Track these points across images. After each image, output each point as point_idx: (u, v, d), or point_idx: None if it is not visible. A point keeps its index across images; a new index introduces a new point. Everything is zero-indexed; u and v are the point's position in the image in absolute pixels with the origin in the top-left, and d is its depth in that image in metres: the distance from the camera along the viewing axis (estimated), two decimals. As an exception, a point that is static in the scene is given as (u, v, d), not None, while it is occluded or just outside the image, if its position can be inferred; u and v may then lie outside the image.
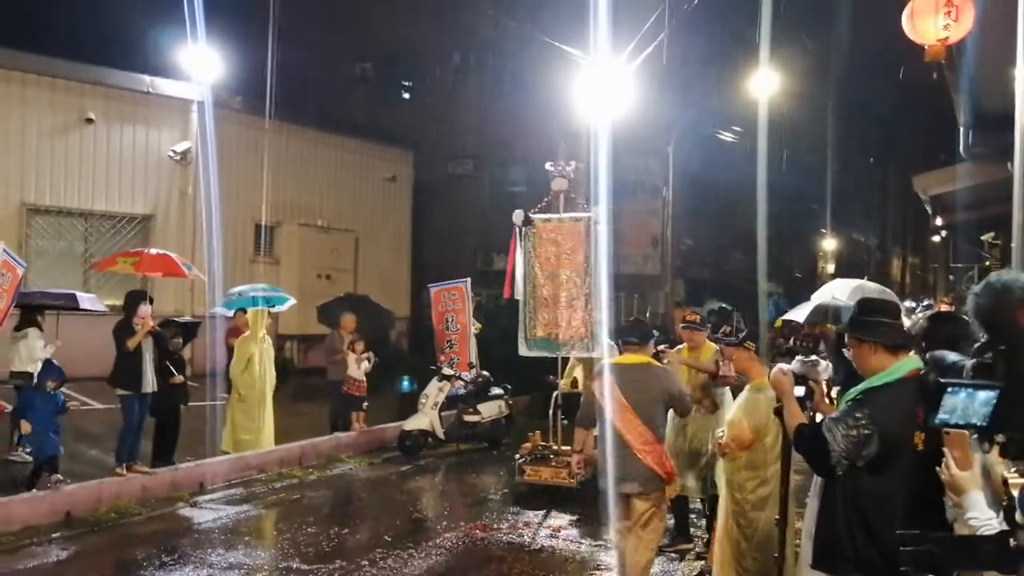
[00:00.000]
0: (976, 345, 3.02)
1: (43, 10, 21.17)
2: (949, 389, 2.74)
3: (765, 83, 18.89)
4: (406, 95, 29.04)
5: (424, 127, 25.27)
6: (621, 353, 6.28)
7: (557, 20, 19.10)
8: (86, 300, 10.44)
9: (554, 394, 10.40)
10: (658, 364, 6.07)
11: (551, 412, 10.24)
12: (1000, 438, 2.78)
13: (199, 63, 17.06)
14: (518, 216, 9.97)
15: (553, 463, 9.56)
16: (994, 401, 2.72)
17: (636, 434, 5.67)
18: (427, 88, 27.74)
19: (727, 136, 27.35)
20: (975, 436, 2.90)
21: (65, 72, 16.72)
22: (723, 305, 16.59)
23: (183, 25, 16.22)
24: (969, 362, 2.99)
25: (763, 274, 16.16)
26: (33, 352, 9.41)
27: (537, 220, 10.02)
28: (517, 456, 9.86)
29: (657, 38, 15.59)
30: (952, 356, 3.33)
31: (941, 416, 2.76)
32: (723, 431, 5.73)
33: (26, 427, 8.56)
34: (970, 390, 2.74)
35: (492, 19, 23.29)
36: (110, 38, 20.07)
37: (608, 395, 5.75)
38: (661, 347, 6.75)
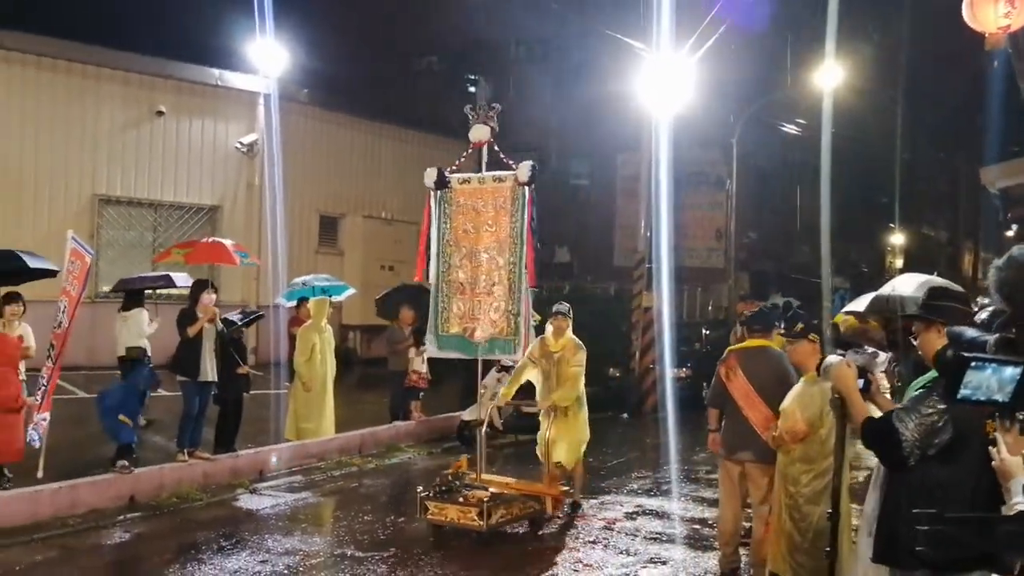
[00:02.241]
0: (998, 320, 2.91)
1: (115, 5, 21.68)
2: (973, 364, 2.61)
3: (830, 74, 18.50)
4: (471, 88, 29.09)
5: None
6: (745, 339, 6.79)
7: (620, 12, 18.93)
8: (180, 279, 11.14)
9: (486, 410, 8.91)
10: (776, 348, 6.37)
11: (481, 430, 8.23)
12: (1022, 416, 2.66)
13: (267, 56, 17.31)
14: (430, 176, 7.88)
15: (461, 500, 7.36)
16: (1019, 377, 2.58)
17: (756, 411, 6.13)
18: (491, 81, 27.73)
19: (792, 128, 26.85)
20: (996, 414, 2.77)
21: (136, 66, 17.14)
22: (788, 299, 16.33)
23: (251, 19, 16.49)
24: (991, 337, 2.86)
25: (827, 268, 15.82)
26: (141, 329, 10.34)
27: (453, 181, 7.89)
28: (420, 490, 7.69)
29: (720, 28, 15.32)
30: (971, 332, 3.21)
31: (964, 392, 2.63)
32: (777, 424, 5.62)
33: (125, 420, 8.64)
34: (996, 365, 2.60)
35: (556, 12, 23.18)
36: (180, 32, 20.49)
37: (734, 376, 6.33)
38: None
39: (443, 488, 7.54)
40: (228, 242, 12.26)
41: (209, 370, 9.27)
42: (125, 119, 16.96)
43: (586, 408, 8.53)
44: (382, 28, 25.57)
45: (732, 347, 6.87)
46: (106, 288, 16.45)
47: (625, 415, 15.39)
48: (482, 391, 12.08)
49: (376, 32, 25.05)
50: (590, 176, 27.72)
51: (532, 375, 8.53)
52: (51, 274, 9.21)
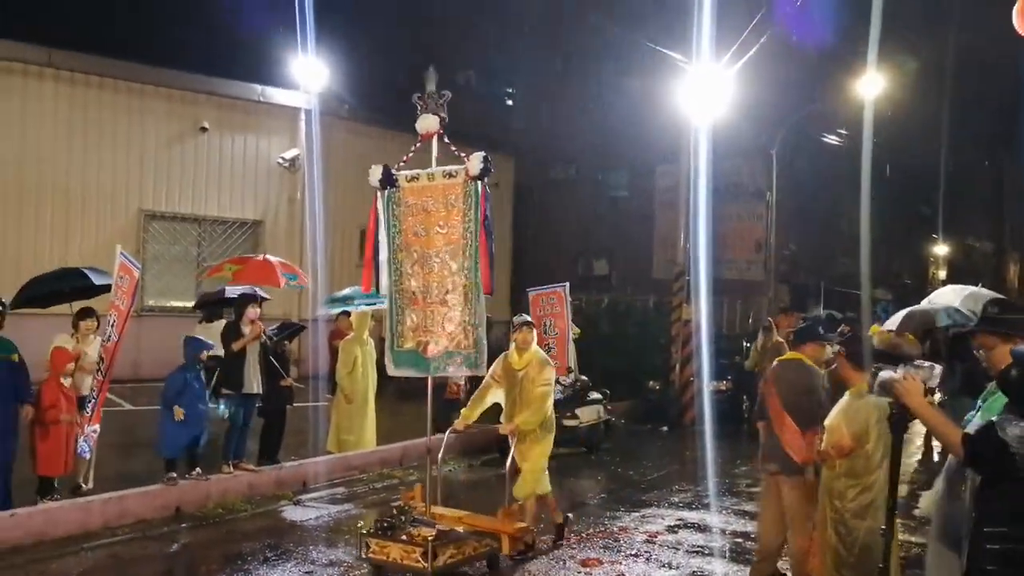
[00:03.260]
0: None
1: (159, 23, 22.11)
2: None
3: (872, 84, 18.35)
4: (509, 102, 29.25)
5: (526, 133, 25.42)
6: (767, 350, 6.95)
7: (659, 24, 18.95)
8: (261, 291, 11.25)
9: (444, 435, 7.92)
10: (807, 361, 6.27)
11: (437, 455, 7.55)
12: None
13: (308, 72, 17.55)
14: (374, 174, 7.01)
15: (405, 537, 6.45)
16: None
17: (780, 424, 6.05)
18: (529, 94, 27.89)
19: (832, 139, 26.63)
20: None
21: (181, 83, 17.47)
22: (830, 312, 16.18)
23: (293, 35, 16.73)
24: None
25: (868, 280, 15.64)
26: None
27: (401, 179, 7.03)
28: (360, 525, 7.02)
29: (760, 39, 15.28)
30: None
31: None
32: (822, 438, 5.59)
33: (179, 413, 8.72)
34: None
35: (595, 25, 23.25)
36: (223, 49, 20.82)
37: (768, 390, 6.27)
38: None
39: (387, 523, 6.59)
40: (276, 260, 12.38)
41: (253, 383, 9.41)
42: (170, 135, 17.28)
43: (552, 434, 7.76)
44: (422, 42, 25.79)
45: (780, 358, 6.79)
46: (152, 302, 16.76)
47: (665, 428, 15.33)
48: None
49: (416, 46, 25.25)
50: (629, 188, 27.70)
51: (497, 396, 7.72)
52: (109, 289, 9.41)
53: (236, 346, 9.27)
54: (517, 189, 25.16)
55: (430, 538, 6.31)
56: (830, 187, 26.32)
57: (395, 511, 6.73)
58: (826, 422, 5.64)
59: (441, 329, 6.77)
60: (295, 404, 10.64)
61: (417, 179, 7.00)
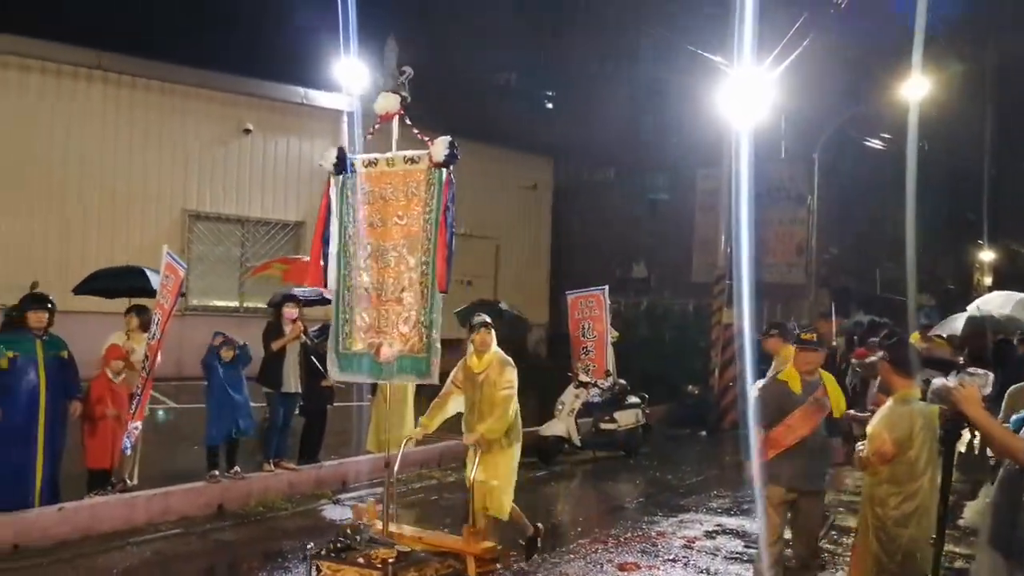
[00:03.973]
0: None
1: (204, 26, 22.41)
2: None
3: (916, 87, 18.12)
4: (549, 104, 29.26)
5: (565, 135, 25.39)
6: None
7: (699, 27, 18.86)
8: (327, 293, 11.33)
9: (400, 446, 7.00)
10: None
11: (393, 467, 6.52)
12: None
13: (350, 75, 17.70)
14: (329, 158, 6.32)
15: (362, 560, 5.69)
16: None
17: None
18: (569, 96, 27.88)
19: (876, 143, 26.31)
20: None
21: (224, 85, 17.71)
22: (873, 317, 16.00)
23: (336, 38, 16.87)
24: None
25: (913, 285, 15.44)
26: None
27: (358, 164, 6.38)
28: (310, 547, 6.01)
29: (803, 42, 15.15)
30: None
31: None
32: (863, 444, 5.53)
33: None
34: None
35: (634, 27, 23.19)
36: (266, 52, 21.06)
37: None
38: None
39: (340, 545, 5.87)
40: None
41: (293, 382, 9.51)
42: (214, 137, 17.52)
43: (520, 443, 7.17)
44: (462, 44, 25.88)
45: None
46: (196, 301, 17.00)
47: (703, 432, 15.25)
48: (560, 407, 12.18)
49: (456, 48, 25.36)
50: (668, 191, 27.58)
51: (459, 403, 7.16)
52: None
53: (275, 345, 9.40)
54: (556, 191, 25.17)
55: (390, 560, 5.62)
56: (873, 191, 26.00)
57: (348, 530, 5.99)
58: (868, 428, 5.58)
59: (395, 330, 6.12)
60: (336, 404, 10.73)
61: (375, 164, 6.33)
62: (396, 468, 6.50)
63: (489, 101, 27.67)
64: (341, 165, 6.28)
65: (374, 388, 11.46)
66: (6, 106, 15.59)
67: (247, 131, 17.80)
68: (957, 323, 12.71)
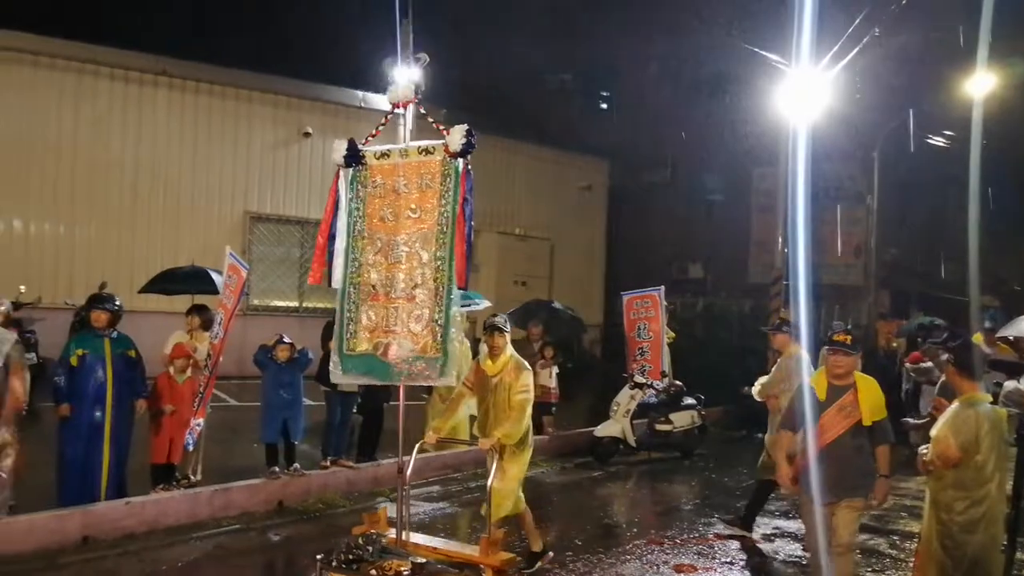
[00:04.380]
0: None
1: (263, 31, 22.80)
2: None
3: (980, 83, 17.72)
4: (604, 105, 29.19)
5: (621, 136, 25.32)
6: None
7: (755, 26, 18.65)
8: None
9: (412, 452, 6.25)
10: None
11: (405, 473, 6.13)
12: None
13: (408, 78, 17.86)
14: (339, 150, 6.17)
15: (374, 572, 5.39)
16: None
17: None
18: (625, 97, 27.79)
19: (938, 140, 25.74)
20: None
21: (285, 89, 18.03)
22: (933, 319, 15.67)
23: (393, 42, 17.02)
24: None
25: (976, 286, 15.09)
26: None
27: (369, 155, 6.14)
28: (319, 557, 5.64)
29: (863, 40, 14.90)
30: None
31: None
32: (927, 448, 5.44)
33: None
34: None
35: (691, 27, 23.01)
36: (325, 56, 21.36)
37: None
38: None
39: (352, 555, 5.55)
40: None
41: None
42: (274, 140, 17.84)
43: (531, 448, 6.98)
44: (517, 46, 25.94)
45: None
46: (256, 302, 17.32)
47: (761, 434, 15.06)
48: (615, 408, 12.16)
49: (511, 50, 25.42)
50: (724, 191, 27.33)
51: (473, 405, 6.97)
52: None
53: (332, 344, 9.51)
54: (611, 192, 25.13)
55: (404, 572, 5.38)
56: (935, 190, 25.44)
57: (360, 540, 5.69)
58: (932, 431, 5.48)
59: (406, 329, 5.82)
60: (392, 402, 10.83)
61: (388, 156, 6.06)
62: (408, 474, 6.14)
63: (544, 103, 27.70)
64: (352, 157, 6.10)
65: (430, 388, 11.59)
66: (79, 112, 16.09)
67: (307, 134, 18.09)
68: (1022, 325, 12.39)
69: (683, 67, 26.36)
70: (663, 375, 12.84)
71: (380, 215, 5.99)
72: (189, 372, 8.62)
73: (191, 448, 8.66)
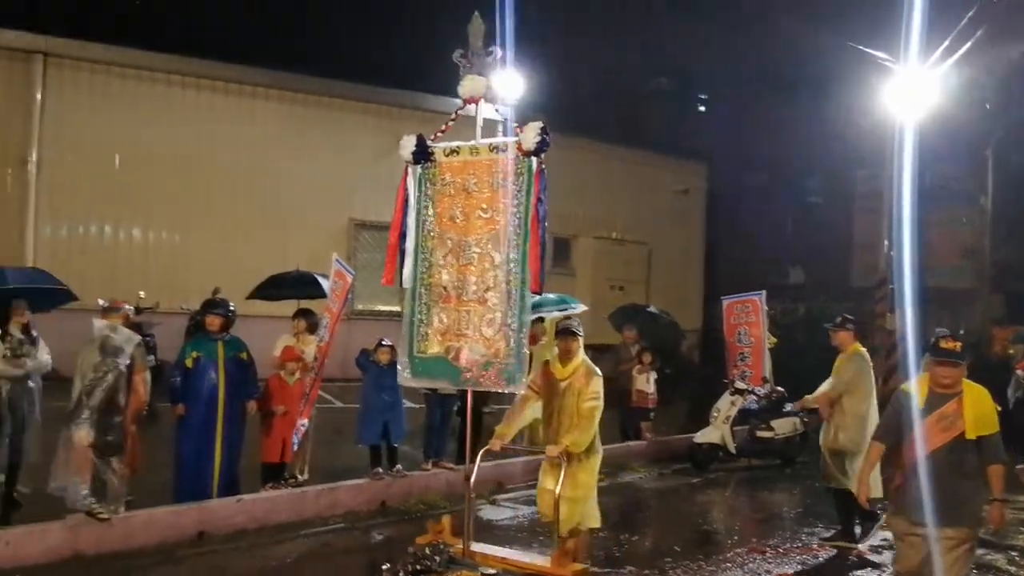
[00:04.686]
0: None
1: (364, 43, 23.35)
2: None
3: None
4: (701, 108, 28.90)
5: (718, 139, 25.04)
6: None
7: (856, 24, 18.21)
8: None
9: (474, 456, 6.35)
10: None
11: (469, 484, 6.16)
12: None
13: (505, 85, 18.05)
14: (407, 146, 5.94)
15: None
16: None
17: None
18: (722, 100, 27.47)
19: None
20: None
21: (386, 99, 18.49)
22: (1051, 324, 15.03)
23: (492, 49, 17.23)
24: None
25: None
26: None
27: (438, 152, 5.97)
28: (385, 567, 5.61)
29: (974, 35, 14.40)
30: None
31: None
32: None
33: None
34: None
35: (791, 27, 22.60)
36: (424, 65, 21.74)
37: None
38: None
39: (420, 566, 5.41)
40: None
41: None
42: (376, 148, 18.24)
43: (600, 455, 6.63)
44: (614, 50, 25.91)
45: None
46: (361, 306, 17.77)
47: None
48: (715, 414, 12.04)
49: (608, 54, 25.41)
50: (825, 193, 26.76)
51: (535, 410, 6.64)
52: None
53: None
54: (709, 195, 24.85)
55: None
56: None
57: (427, 550, 5.58)
58: None
59: (478, 333, 5.67)
60: (493, 406, 10.98)
61: (458, 153, 5.89)
62: (473, 481, 6.11)
63: (641, 106, 27.60)
64: (421, 154, 5.89)
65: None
66: (195, 126, 16.86)
67: (408, 142, 18.49)
68: None
69: (783, 67, 25.92)
70: (764, 381, 12.65)
71: (450, 214, 5.83)
72: (298, 374, 8.91)
73: (296, 447, 8.94)
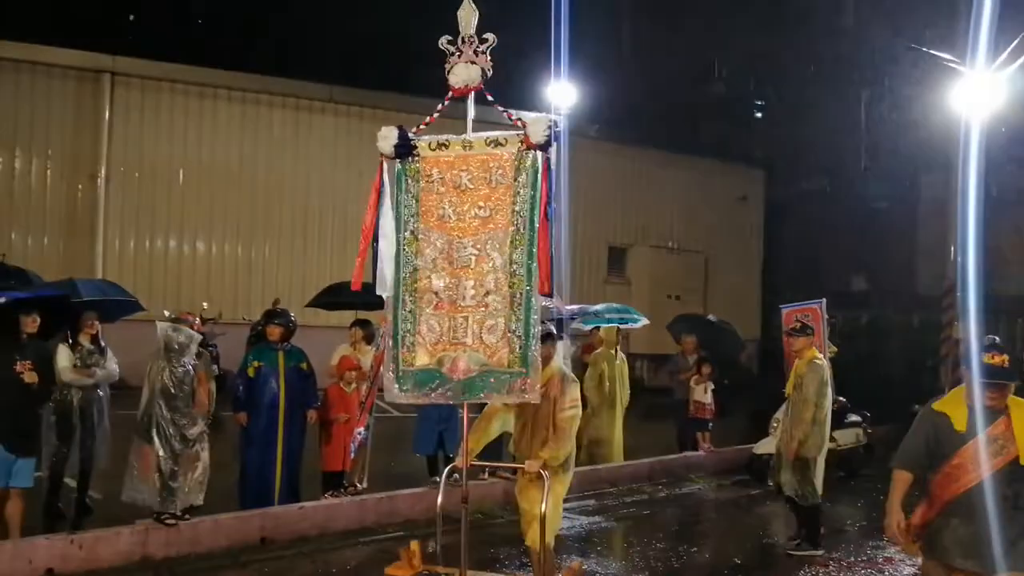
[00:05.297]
0: None
1: (420, 57, 23.57)
2: None
3: None
4: (758, 113, 28.61)
5: (777, 145, 24.76)
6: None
7: (920, 26, 17.89)
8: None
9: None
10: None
11: (463, 484, 5.85)
12: None
13: (559, 95, 18.12)
14: (388, 138, 5.42)
15: None
16: None
17: None
18: (779, 105, 27.13)
19: None
20: None
21: (448, 113, 18.57)
22: None
23: (545, 60, 17.32)
24: None
25: None
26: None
27: (422, 146, 5.46)
28: None
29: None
30: None
31: None
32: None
33: None
34: None
35: (852, 30, 22.29)
36: (487, 81, 21.88)
37: None
38: None
39: None
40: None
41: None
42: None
43: (573, 470, 6.24)
44: (669, 57, 25.79)
45: None
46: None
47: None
48: (774, 425, 11.86)
49: (663, 61, 25.31)
50: (888, 199, 26.24)
51: (505, 421, 6.13)
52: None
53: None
54: (768, 202, 24.58)
55: None
56: None
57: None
58: None
59: (478, 341, 5.23)
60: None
61: (446, 147, 5.42)
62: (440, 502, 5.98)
63: (697, 113, 27.40)
64: (403, 147, 5.40)
65: (584, 401, 11.65)
66: (256, 140, 17.24)
67: (462, 153, 18.62)
68: None
69: (844, 70, 25.54)
70: (826, 391, 12.43)
71: (439, 213, 5.37)
72: (355, 383, 9.02)
73: (352, 455, 9.04)
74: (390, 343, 5.47)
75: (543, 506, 5.65)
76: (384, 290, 5.38)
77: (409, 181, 5.42)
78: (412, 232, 5.39)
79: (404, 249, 5.38)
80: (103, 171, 16.32)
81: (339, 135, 17.85)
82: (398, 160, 5.42)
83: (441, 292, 5.33)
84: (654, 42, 25.73)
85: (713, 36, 26.16)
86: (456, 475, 9.29)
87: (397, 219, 5.38)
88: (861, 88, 24.77)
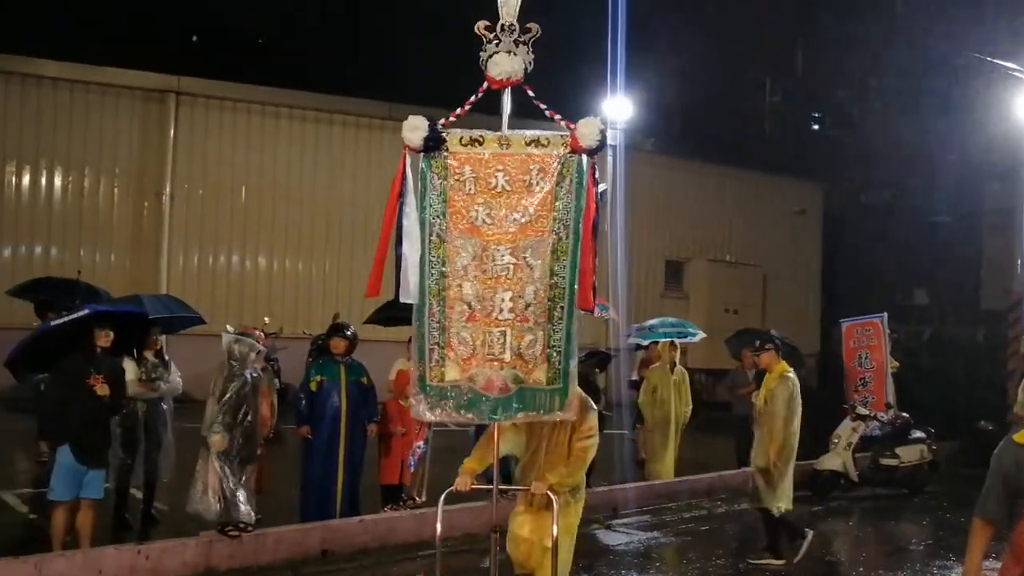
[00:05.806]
0: None
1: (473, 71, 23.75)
2: None
3: None
4: (816, 126, 28.30)
5: (836, 158, 24.47)
6: None
7: (983, 35, 17.57)
8: None
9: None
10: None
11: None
12: None
13: (615, 109, 18.14)
14: (416, 130, 4.94)
15: None
16: None
17: None
18: (838, 117, 26.83)
19: None
20: None
21: (493, 125, 18.72)
22: None
23: (602, 74, 17.37)
24: None
25: None
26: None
27: (452, 140, 5.00)
28: None
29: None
30: None
31: None
32: None
33: None
34: None
35: (908, 39, 21.97)
36: (535, 91, 22.00)
37: None
38: None
39: None
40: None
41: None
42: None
43: (583, 501, 5.94)
44: (727, 69, 25.65)
45: None
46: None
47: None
48: (835, 440, 11.71)
49: (721, 73, 25.17)
50: (950, 211, 25.74)
51: (514, 444, 5.67)
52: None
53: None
54: (827, 216, 24.27)
55: None
56: None
57: None
58: None
59: (516, 357, 4.84)
60: (606, 431, 10.95)
61: (480, 143, 4.98)
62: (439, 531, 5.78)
63: (756, 125, 27.19)
64: (433, 141, 4.94)
65: (640, 416, 11.62)
66: (316, 158, 17.56)
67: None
68: None
69: (904, 80, 25.16)
70: (888, 407, 12.25)
71: (470, 216, 4.92)
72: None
73: (412, 469, 9.12)
74: (415, 356, 5.04)
75: (554, 532, 5.34)
76: (408, 297, 4.88)
77: (435, 178, 4.96)
78: (438, 235, 4.93)
79: (430, 253, 4.92)
80: (168, 188, 16.73)
81: (397, 152, 17.96)
82: (422, 154, 4.96)
83: (473, 302, 4.89)
84: (710, 55, 25.61)
85: (771, 49, 25.98)
86: (512, 491, 9.38)
87: (422, 220, 4.93)
88: (922, 99, 24.37)
